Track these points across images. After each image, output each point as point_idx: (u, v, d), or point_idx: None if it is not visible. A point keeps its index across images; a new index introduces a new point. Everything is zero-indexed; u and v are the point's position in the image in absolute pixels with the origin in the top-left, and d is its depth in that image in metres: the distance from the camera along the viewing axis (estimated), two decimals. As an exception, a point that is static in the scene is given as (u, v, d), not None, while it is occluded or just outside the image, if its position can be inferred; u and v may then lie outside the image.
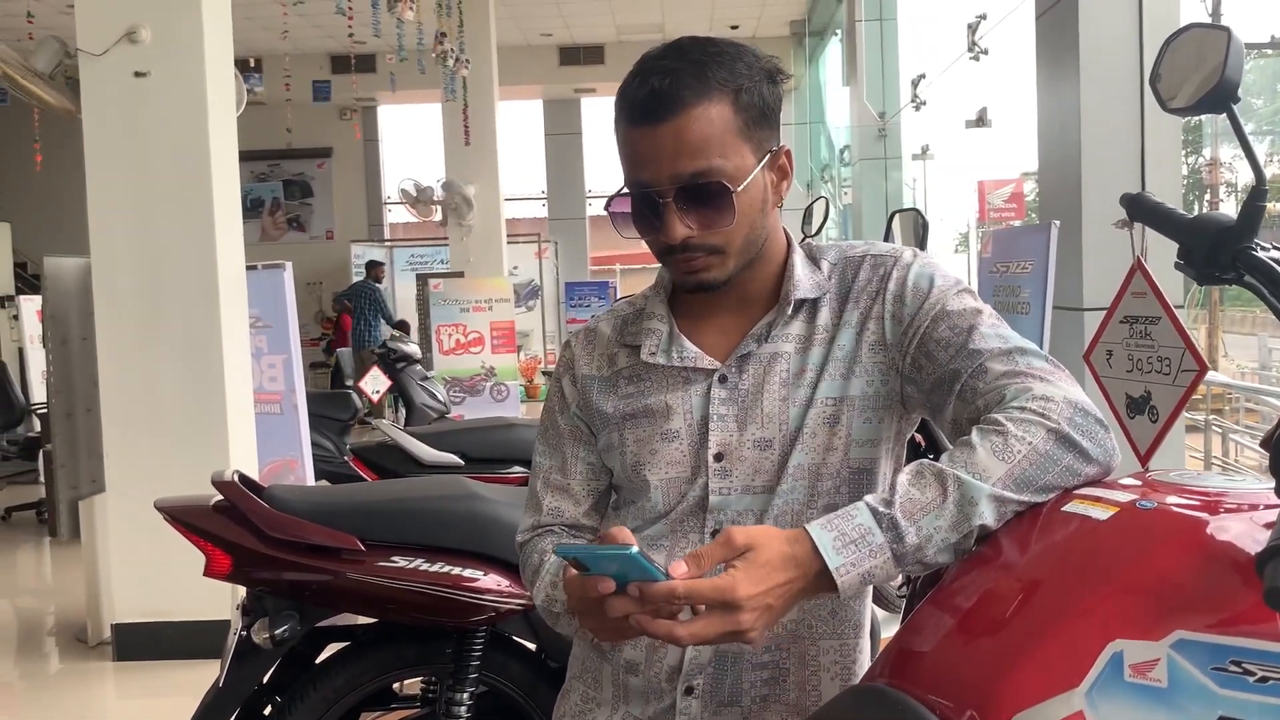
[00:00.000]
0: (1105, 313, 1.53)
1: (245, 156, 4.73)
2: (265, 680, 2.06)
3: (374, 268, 12.65)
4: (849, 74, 10.11)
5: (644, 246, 1.24)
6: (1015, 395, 1.07)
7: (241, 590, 2.12)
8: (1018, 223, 16.50)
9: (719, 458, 1.21)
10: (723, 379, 1.23)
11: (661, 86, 1.13)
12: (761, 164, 1.19)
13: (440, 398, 7.80)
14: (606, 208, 1.23)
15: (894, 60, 9.42)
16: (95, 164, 4.41)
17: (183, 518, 2.03)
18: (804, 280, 1.24)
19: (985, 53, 6.60)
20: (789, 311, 1.23)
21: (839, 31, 11.43)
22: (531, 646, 2.16)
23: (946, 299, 1.19)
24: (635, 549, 0.97)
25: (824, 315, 1.24)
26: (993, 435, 1.03)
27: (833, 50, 12.28)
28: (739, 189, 1.16)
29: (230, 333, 4.47)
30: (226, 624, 2.18)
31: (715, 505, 1.21)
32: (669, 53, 1.17)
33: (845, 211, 10.45)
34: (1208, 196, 17.43)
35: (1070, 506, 0.98)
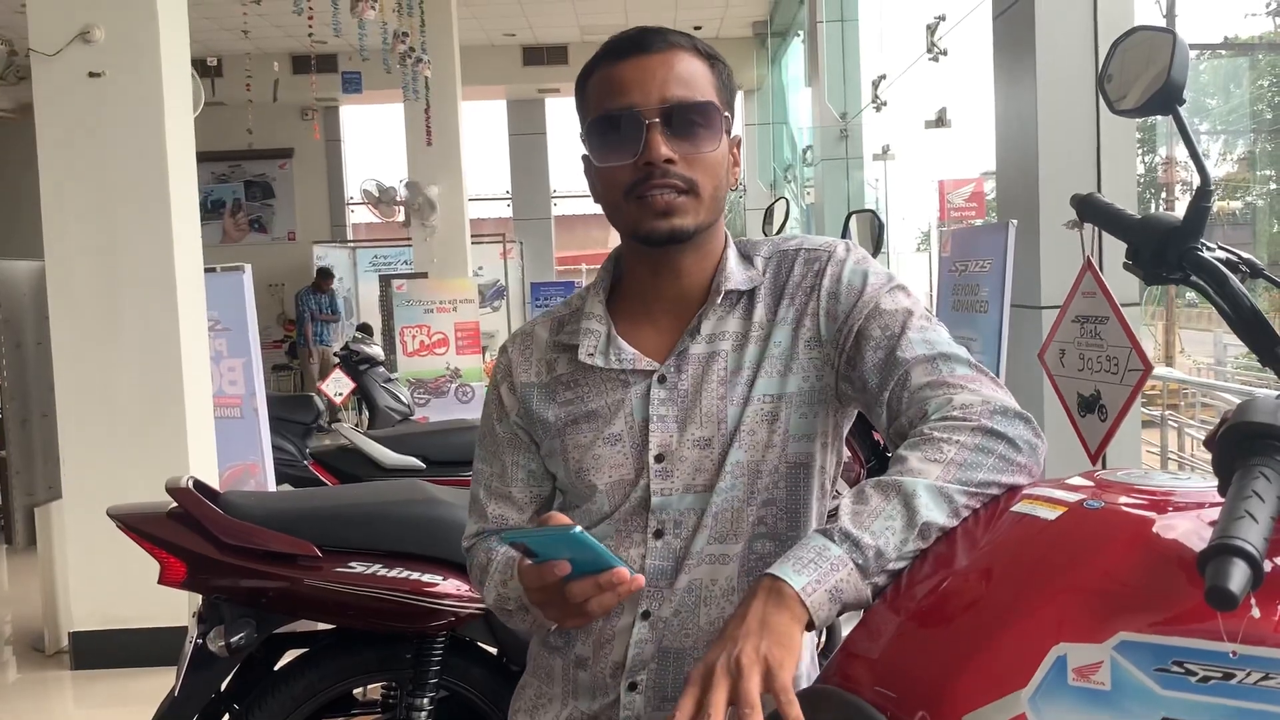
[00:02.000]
0: (1058, 312, 1.55)
1: (205, 157, 4.68)
2: (222, 688, 2.04)
3: (322, 278, 12.63)
4: (811, 74, 10.15)
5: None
6: (938, 408, 1.09)
7: (198, 598, 2.09)
8: (978, 222, 16.66)
9: (660, 458, 1.21)
10: (662, 379, 1.23)
11: (648, 29, 1.18)
12: (728, 136, 1.21)
13: (404, 400, 7.75)
14: (582, 135, 1.22)
15: (855, 61, 9.48)
16: (49, 166, 4.34)
17: (137, 525, 2.00)
18: (735, 273, 1.24)
19: (944, 54, 6.65)
20: (718, 302, 1.23)
21: (801, 32, 11.48)
22: (492, 650, 2.15)
23: (880, 296, 1.20)
24: (578, 528, 0.98)
25: (759, 311, 1.24)
26: (921, 445, 1.05)
27: (795, 51, 12.34)
28: (725, 114, 1.18)
29: (189, 336, 4.42)
30: (185, 631, 2.16)
31: (657, 505, 1.21)
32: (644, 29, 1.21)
33: (808, 211, 10.50)
34: (1163, 195, 17.68)
35: (1019, 506, 0.99)
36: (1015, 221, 4.11)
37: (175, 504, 2.00)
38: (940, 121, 8.04)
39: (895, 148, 10.10)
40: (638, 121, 1.16)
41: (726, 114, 1.21)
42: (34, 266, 5.70)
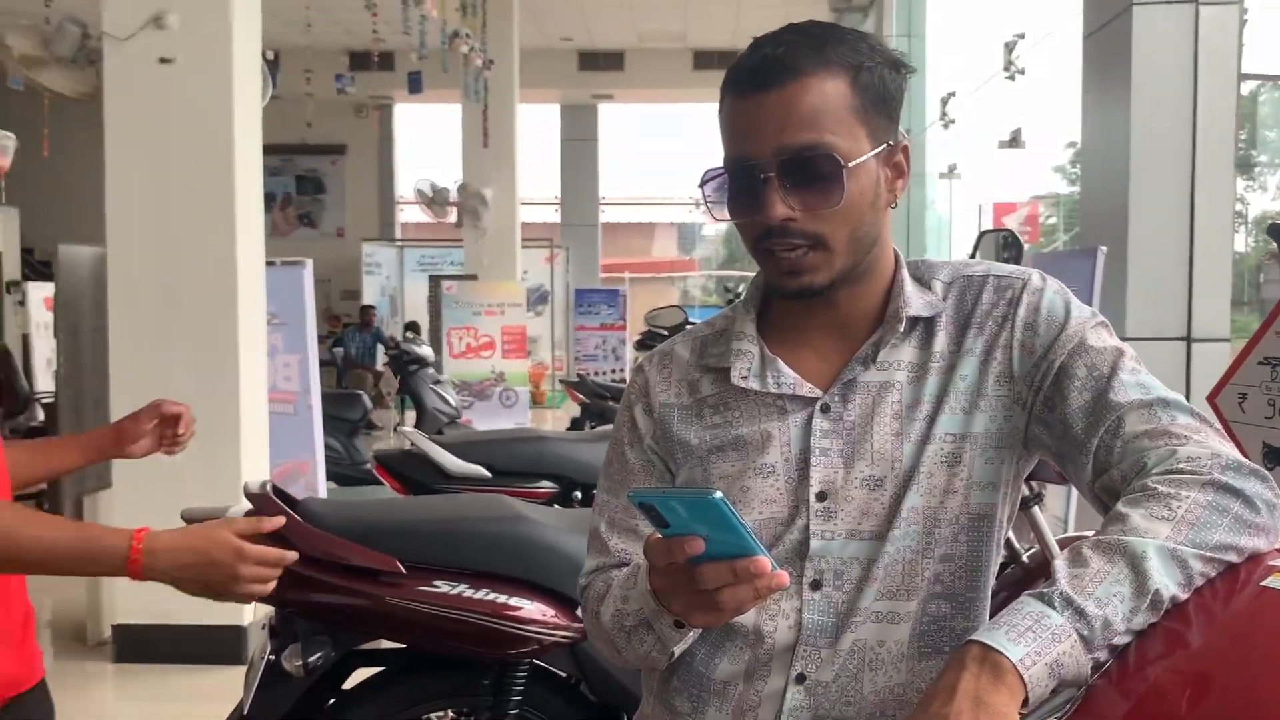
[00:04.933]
0: (1239, 352, 1.41)
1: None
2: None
3: (365, 312, 12.71)
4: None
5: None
6: (1159, 461, 0.96)
7: (264, 607, 1.99)
8: (1028, 246, 16.40)
9: (822, 497, 1.07)
10: (825, 408, 1.09)
11: (775, 54, 1.04)
12: (876, 153, 1.06)
13: (452, 402, 7.66)
14: (701, 184, 1.10)
15: (921, 78, 9.31)
16: (115, 151, 4.30)
17: None
18: (914, 298, 1.10)
19: (1021, 72, 6.50)
20: (899, 330, 1.09)
21: (863, 47, 11.30)
22: (572, 679, 2.03)
23: (1085, 332, 1.06)
24: (718, 494, 0.83)
25: (940, 340, 1.10)
26: (1145, 501, 0.92)
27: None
28: (849, 165, 1.03)
29: (247, 329, 4.35)
30: (232, 630, 2.06)
31: (816, 551, 1.07)
32: (787, 29, 1.07)
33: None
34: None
35: (1272, 581, 0.85)
36: (1104, 248, 3.95)
37: (251, 508, 1.89)
38: (1014, 141, 7.85)
39: (960, 168, 9.90)
40: (754, 176, 1.04)
41: (882, 142, 1.07)
42: (95, 252, 5.67)
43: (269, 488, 1.90)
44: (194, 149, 4.27)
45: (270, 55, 9.50)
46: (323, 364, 13.29)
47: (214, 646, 4.01)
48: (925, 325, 1.11)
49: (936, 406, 1.08)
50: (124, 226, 4.30)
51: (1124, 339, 3.36)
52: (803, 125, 1.02)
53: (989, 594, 1.11)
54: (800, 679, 1.07)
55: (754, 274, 1.22)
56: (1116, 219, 4.32)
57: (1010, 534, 2.30)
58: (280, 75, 10.68)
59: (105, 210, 4.31)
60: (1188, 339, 4.15)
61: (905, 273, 1.13)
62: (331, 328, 14.09)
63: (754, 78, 1.04)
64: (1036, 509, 2.11)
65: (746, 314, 1.16)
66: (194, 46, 4.25)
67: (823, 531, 1.07)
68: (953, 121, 7.95)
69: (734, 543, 0.87)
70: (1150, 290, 4.11)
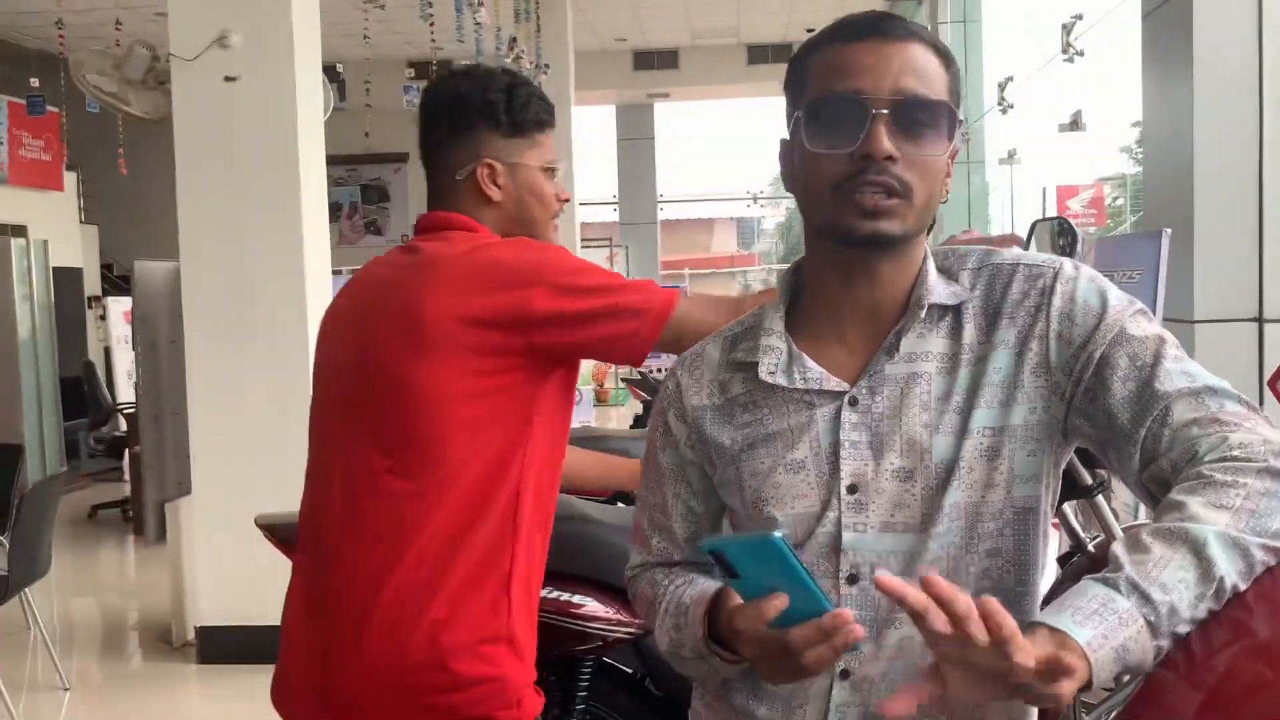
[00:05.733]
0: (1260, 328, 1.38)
1: (326, 161, 4.74)
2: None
3: None
4: (931, 77, 9.88)
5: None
6: (1210, 449, 0.95)
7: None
8: (1093, 229, 16.02)
9: (853, 489, 1.08)
10: (853, 401, 1.09)
11: (888, 16, 1.08)
12: (952, 141, 1.08)
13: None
14: (796, 112, 1.10)
15: (978, 63, 9.19)
16: (185, 168, 4.44)
17: (280, 534, 1.96)
18: (938, 286, 1.10)
19: (1080, 54, 6.38)
20: (921, 317, 1.09)
21: (919, 34, 11.20)
22: (635, 673, 2.07)
23: (1124, 320, 1.05)
24: (778, 534, 0.86)
25: (969, 331, 1.09)
26: (1201, 489, 0.91)
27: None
28: (957, 124, 1.07)
29: (316, 338, 4.45)
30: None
31: (850, 544, 1.07)
32: (878, 12, 1.11)
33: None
34: None
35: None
36: (1169, 230, 3.88)
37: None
38: (1075, 124, 7.72)
39: (1021, 152, 9.75)
40: (863, 109, 1.04)
41: (961, 118, 1.10)
42: (169, 267, 5.86)
43: None
44: (260, 163, 4.39)
45: (339, 68, 9.69)
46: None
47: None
48: (953, 315, 1.11)
49: (970, 400, 1.07)
50: (196, 241, 4.44)
51: (1193, 322, 3.28)
52: (918, 76, 1.05)
53: (1039, 586, 1.11)
54: (845, 675, 1.08)
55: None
56: (1182, 200, 4.23)
57: (1076, 523, 2.29)
58: (345, 87, 10.87)
59: (178, 226, 4.45)
60: (1260, 320, 4.06)
61: (930, 263, 1.13)
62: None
63: (872, 27, 1.07)
64: (1101, 498, 2.10)
65: (775, 309, 1.17)
66: (257, 64, 4.37)
67: (855, 524, 1.08)
68: (1011, 106, 7.83)
69: (802, 596, 0.90)
70: (1219, 271, 4.02)
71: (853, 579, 1.08)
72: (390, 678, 1.47)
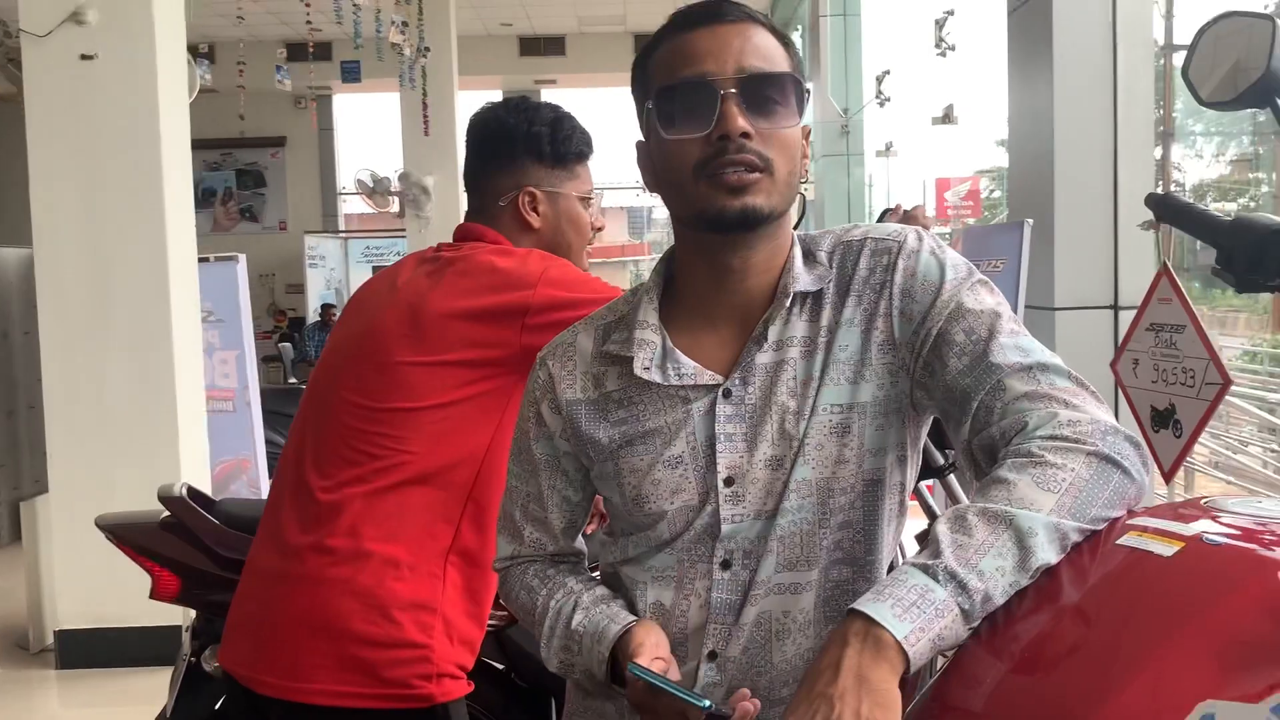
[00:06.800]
0: (1132, 320, 1.45)
1: (197, 145, 4.58)
2: (217, 708, 1.93)
3: (326, 310, 12.59)
4: (812, 69, 10.05)
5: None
6: (1041, 422, 0.98)
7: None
8: (971, 220, 16.57)
9: (729, 482, 1.09)
10: (727, 393, 1.10)
11: (725, 1, 1.09)
12: (800, 119, 1.10)
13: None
14: (646, 104, 1.10)
15: (858, 56, 9.38)
16: (39, 150, 4.23)
17: (127, 536, 1.88)
18: (803, 273, 1.11)
19: (952, 49, 6.56)
20: (786, 305, 1.10)
21: (802, 26, 11.38)
22: (500, 666, 2.05)
23: (961, 294, 1.07)
24: (709, 704, 0.92)
25: (827, 313, 1.11)
26: (1030, 467, 0.94)
27: (796, 45, 12.27)
28: (804, 94, 1.09)
29: (181, 328, 4.31)
30: (176, 631, 2.05)
31: (727, 534, 1.09)
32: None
33: (808, 208, 10.42)
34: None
35: (1127, 539, 0.89)
36: (1031, 221, 4.02)
37: (168, 513, 1.88)
38: (947, 118, 7.95)
39: (898, 145, 10.00)
40: (712, 92, 1.05)
41: (808, 88, 1.11)
42: (22, 254, 5.58)
43: (184, 490, 1.89)
44: (120, 146, 4.21)
45: (204, 48, 9.35)
46: (270, 359, 13.18)
47: (156, 647, 3.98)
48: (814, 299, 1.12)
49: (822, 378, 1.09)
50: (51, 227, 4.24)
51: (1054, 309, 3.39)
52: (760, 54, 1.07)
53: (887, 554, 1.14)
54: (712, 656, 1.10)
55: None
56: (1043, 192, 4.39)
57: (932, 500, 2.35)
58: (216, 68, 10.52)
59: (30, 211, 4.24)
60: (1115, 307, 4.24)
61: (798, 250, 1.14)
62: (278, 322, 13.93)
63: (708, 13, 1.08)
64: (953, 477, 2.16)
65: (649, 300, 1.16)
66: (115, 42, 4.19)
67: (733, 515, 1.09)
68: (888, 99, 8.03)
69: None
70: (1077, 261, 4.19)
71: (726, 564, 1.10)
72: (327, 618, 1.51)
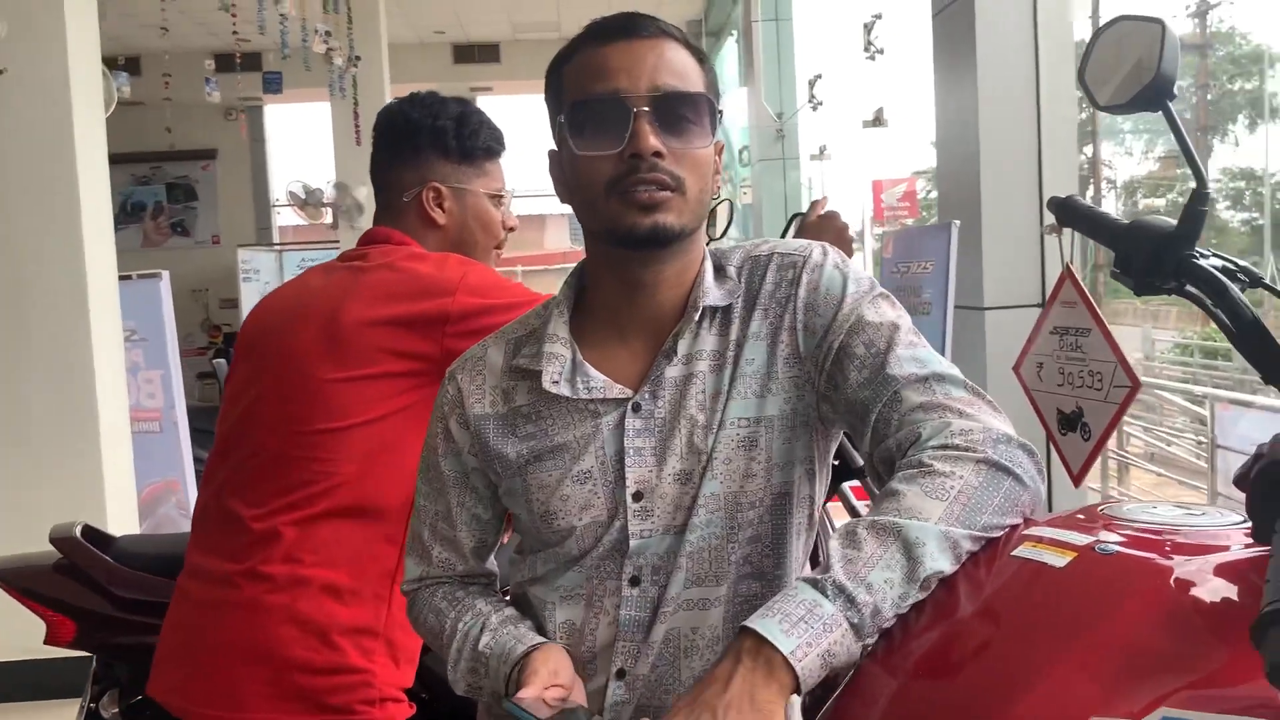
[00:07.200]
0: (1035, 323, 1.46)
1: (124, 159, 4.48)
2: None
3: None
4: (746, 74, 10.10)
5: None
6: (934, 433, 0.98)
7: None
8: (910, 221, 16.76)
9: (638, 497, 1.08)
10: (636, 408, 1.09)
11: (638, 14, 1.08)
12: (715, 136, 1.10)
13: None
14: (559, 117, 1.09)
15: (790, 61, 9.43)
16: (-54, 168, 4.08)
17: (16, 582, 1.80)
18: (713, 288, 1.12)
19: (881, 52, 6.63)
20: (695, 319, 1.10)
21: (735, 32, 11.43)
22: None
23: (861, 307, 1.08)
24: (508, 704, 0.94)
25: (735, 328, 1.11)
26: (920, 477, 0.93)
27: (730, 51, 12.30)
28: (720, 111, 1.09)
29: (102, 348, 4.19)
30: (80, 661, 1.98)
31: (635, 550, 1.08)
32: (635, 13, 1.11)
33: (745, 212, 10.47)
34: (1090, 192, 18.02)
35: (1022, 550, 0.88)
36: (958, 222, 4.07)
37: (60, 555, 1.80)
38: (878, 121, 8.04)
39: (831, 148, 10.10)
40: (625, 109, 1.04)
41: (721, 109, 1.10)
42: (-65, 275, 5.38)
43: (78, 530, 1.82)
44: (32, 162, 4.08)
45: (122, 60, 9.16)
46: (204, 376, 12.92)
47: (72, 678, 3.85)
48: (724, 313, 1.12)
49: (729, 392, 1.08)
50: (-40, 247, 4.10)
51: (983, 309, 3.41)
52: (674, 73, 1.06)
53: (795, 568, 1.13)
54: (620, 674, 1.08)
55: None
56: (970, 192, 4.44)
57: (857, 503, 2.36)
58: (141, 80, 10.31)
59: (-61, 231, 4.10)
60: (1043, 305, 4.30)
61: (708, 264, 1.14)
62: (212, 338, 13.68)
63: (623, 28, 1.07)
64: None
65: (560, 313, 1.15)
66: (25, 55, 4.06)
67: (641, 530, 1.08)
68: (821, 104, 8.09)
69: None
70: (1004, 261, 4.24)
71: (634, 581, 1.09)
72: (267, 645, 1.47)
